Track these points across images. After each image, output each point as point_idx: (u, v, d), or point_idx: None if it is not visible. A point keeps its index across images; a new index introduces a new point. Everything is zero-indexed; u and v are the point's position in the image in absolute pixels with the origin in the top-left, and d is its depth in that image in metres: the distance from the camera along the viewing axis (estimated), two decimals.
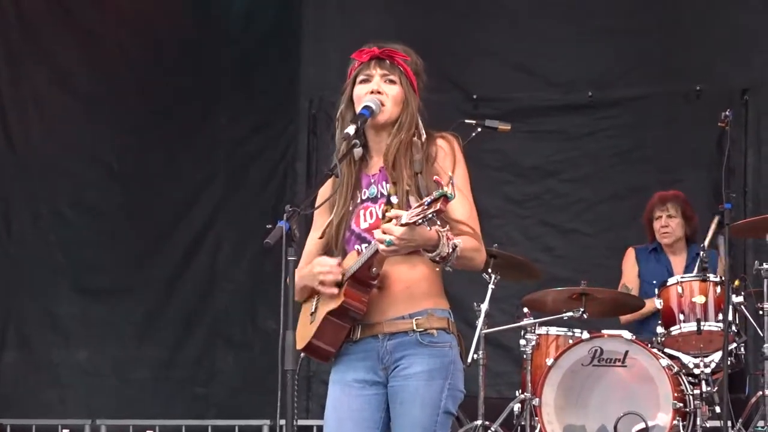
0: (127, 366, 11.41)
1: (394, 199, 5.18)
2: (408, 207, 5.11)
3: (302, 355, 5.35)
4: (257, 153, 11.36)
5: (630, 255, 9.88)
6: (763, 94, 10.76)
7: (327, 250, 5.44)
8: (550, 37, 11.32)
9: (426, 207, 4.90)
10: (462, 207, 5.22)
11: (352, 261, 5.28)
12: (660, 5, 11.19)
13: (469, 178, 5.36)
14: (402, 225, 4.98)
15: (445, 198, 4.88)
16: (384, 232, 5.03)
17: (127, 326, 11.58)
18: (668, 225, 9.68)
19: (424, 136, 5.36)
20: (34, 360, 11.67)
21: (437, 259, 5.09)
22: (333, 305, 5.28)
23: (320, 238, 5.43)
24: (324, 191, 5.46)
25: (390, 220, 5.07)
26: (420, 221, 4.96)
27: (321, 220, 5.47)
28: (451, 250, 5.07)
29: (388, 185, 5.31)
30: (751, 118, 10.61)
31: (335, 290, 5.28)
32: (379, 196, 5.32)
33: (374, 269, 5.20)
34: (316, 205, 5.39)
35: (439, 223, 4.99)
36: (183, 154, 11.75)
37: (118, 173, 11.88)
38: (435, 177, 5.07)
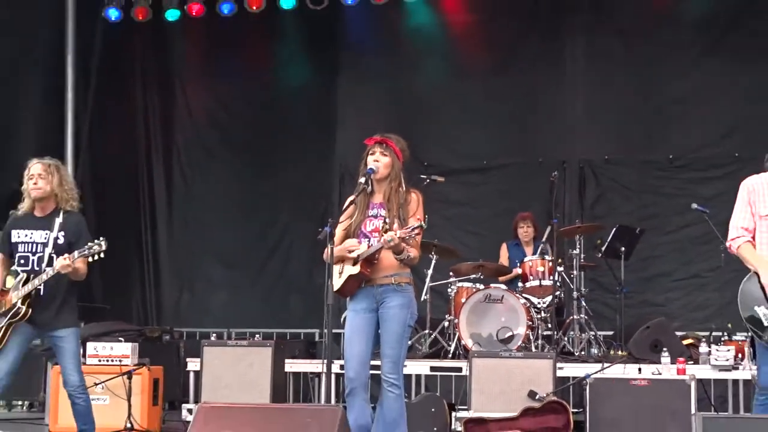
0: (245, 302, 11.44)
1: (387, 220, 5.45)
2: (400, 225, 5.43)
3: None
4: (311, 192, 11.29)
5: (504, 246, 9.98)
6: (572, 164, 10.71)
7: (347, 237, 5.58)
8: (463, 131, 11.15)
9: (411, 230, 5.10)
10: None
11: (365, 248, 5.48)
12: (517, 111, 11.01)
13: (423, 215, 5.56)
14: (398, 237, 5.28)
15: (421, 228, 5.27)
16: (390, 241, 5.29)
17: (245, 282, 11.62)
18: (526, 231, 9.75)
19: (404, 187, 5.54)
20: (197, 299, 11.80)
21: (398, 258, 5.42)
22: (354, 272, 5.49)
23: (344, 230, 5.57)
24: (349, 210, 5.65)
25: (386, 231, 5.36)
26: (407, 237, 5.29)
27: (345, 223, 5.61)
28: (406, 257, 5.43)
29: (383, 211, 5.47)
30: (566, 177, 10.44)
31: (355, 257, 5.44)
32: (378, 215, 5.58)
33: (377, 255, 5.47)
34: (342, 219, 5.62)
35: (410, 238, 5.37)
36: (271, 192, 11.66)
37: (237, 200, 11.83)
38: (418, 217, 5.45)
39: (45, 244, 6.17)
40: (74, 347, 6.26)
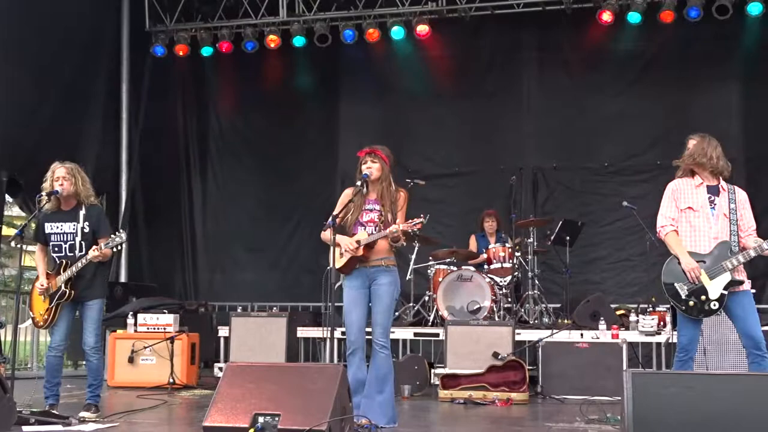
0: (264, 281, 11.32)
1: (382, 213, 5.45)
2: (392, 218, 5.41)
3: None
4: (318, 194, 10.93)
5: (473, 237, 9.85)
6: (527, 171, 10.58)
7: (341, 227, 5.47)
8: (440, 144, 11.08)
9: (414, 225, 5.10)
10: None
11: (365, 236, 5.42)
12: (483, 128, 10.91)
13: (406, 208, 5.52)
14: (401, 230, 5.28)
15: (422, 224, 5.28)
16: (395, 232, 5.28)
17: (264, 265, 11.47)
18: (491, 225, 9.67)
19: (393, 186, 5.49)
20: (227, 279, 11.67)
21: (393, 245, 5.43)
22: (357, 254, 5.41)
23: (341, 222, 5.45)
24: (348, 205, 5.54)
25: (383, 221, 5.41)
26: (410, 231, 5.33)
27: (341, 212, 5.49)
28: (400, 245, 5.48)
29: (378, 206, 5.45)
30: (523, 181, 10.36)
31: (352, 249, 5.37)
32: (373, 209, 5.55)
33: (375, 242, 5.42)
34: (338, 209, 5.50)
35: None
36: (286, 193, 11.49)
37: (259, 200, 11.72)
38: (421, 216, 5.35)
39: (75, 234, 6.14)
40: (96, 315, 6.21)
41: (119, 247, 6.17)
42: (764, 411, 3.84)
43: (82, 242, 6.12)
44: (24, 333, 9.31)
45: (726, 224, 5.27)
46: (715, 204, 5.31)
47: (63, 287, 6.08)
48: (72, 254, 6.12)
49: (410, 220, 5.31)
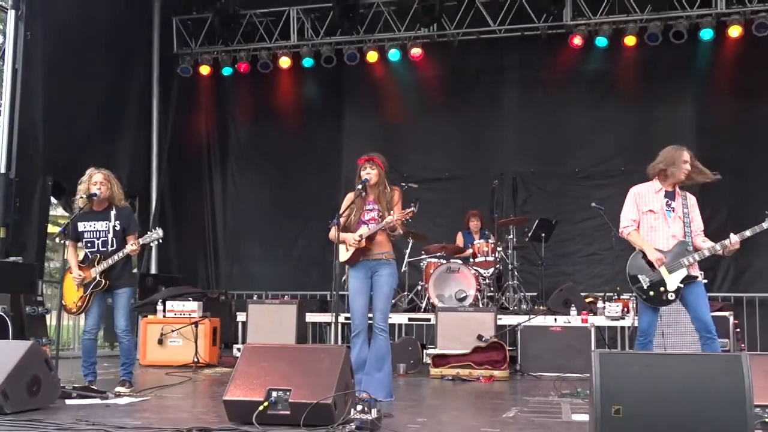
0: (278, 272, 11.23)
1: (380, 211, 5.45)
2: (388, 214, 5.37)
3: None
4: (324, 195, 10.81)
5: (459, 234, 9.76)
6: (508, 175, 10.45)
7: (346, 226, 5.44)
8: (431, 151, 11.01)
9: (406, 214, 5.09)
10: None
11: (366, 231, 5.40)
12: (469, 138, 10.88)
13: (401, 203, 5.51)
14: (395, 220, 5.28)
15: (413, 212, 5.26)
16: (391, 222, 5.27)
17: (278, 258, 11.39)
18: (476, 223, 9.60)
19: (388, 189, 5.46)
20: (244, 270, 11.61)
21: (392, 234, 5.40)
22: (360, 246, 5.40)
23: (345, 221, 5.42)
24: (351, 205, 5.54)
25: (382, 217, 5.38)
26: (402, 220, 5.31)
27: (346, 212, 5.47)
28: (397, 234, 5.41)
29: (376, 206, 5.43)
30: (504, 184, 10.16)
31: (355, 243, 5.35)
32: (372, 209, 5.53)
33: (375, 235, 5.43)
34: (343, 209, 5.49)
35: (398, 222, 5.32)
36: (297, 195, 11.39)
37: (273, 201, 11.64)
38: (411, 206, 5.33)
39: (107, 231, 6.15)
40: (125, 302, 6.22)
41: (155, 242, 6.19)
42: (713, 386, 3.87)
43: (114, 239, 6.14)
44: (66, 317, 9.30)
45: (681, 225, 5.30)
46: (671, 207, 5.34)
47: (98, 277, 6.10)
48: (105, 249, 6.13)
49: (402, 210, 5.34)
